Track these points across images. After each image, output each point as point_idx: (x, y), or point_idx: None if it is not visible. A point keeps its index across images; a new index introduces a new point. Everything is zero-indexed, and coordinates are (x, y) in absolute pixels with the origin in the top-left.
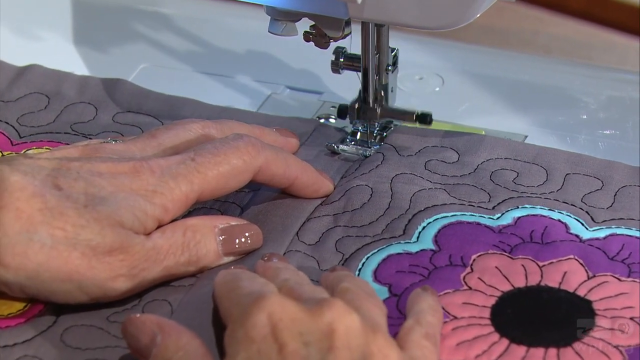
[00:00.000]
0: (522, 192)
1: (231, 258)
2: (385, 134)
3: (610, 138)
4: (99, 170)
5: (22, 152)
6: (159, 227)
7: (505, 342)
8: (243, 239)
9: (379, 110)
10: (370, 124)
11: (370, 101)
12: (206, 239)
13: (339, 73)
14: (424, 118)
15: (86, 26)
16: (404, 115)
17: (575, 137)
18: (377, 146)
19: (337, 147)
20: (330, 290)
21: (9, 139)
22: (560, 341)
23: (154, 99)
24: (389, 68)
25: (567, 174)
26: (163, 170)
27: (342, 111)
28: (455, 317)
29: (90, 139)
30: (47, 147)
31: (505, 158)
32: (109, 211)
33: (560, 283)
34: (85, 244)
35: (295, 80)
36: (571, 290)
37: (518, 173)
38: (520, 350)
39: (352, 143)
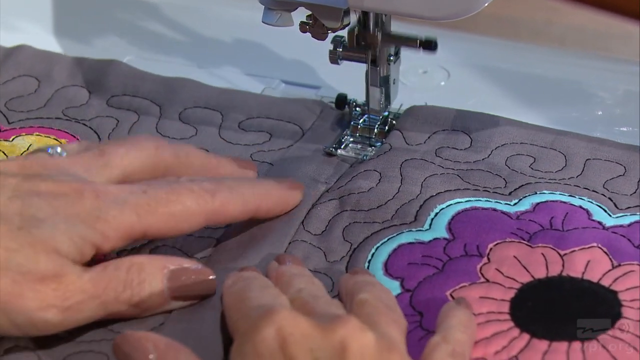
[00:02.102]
0: (539, 178)
1: (180, 303)
2: (387, 128)
3: (628, 135)
4: (37, 190)
5: (11, 138)
6: (97, 256)
7: (525, 337)
8: (194, 284)
9: (379, 36)
10: (371, 118)
11: (371, 25)
12: (151, 278)
13: (338, 64)
14: (429, 44)
15: (68, 16)
16: (407, 41)
17: (590, 134)
18: (379, 143)
19: (335, 151)
20: (348, 298)
21: None
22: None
23: (151, 81)
24: (391, 59)
25: (587, 159)
26: (109, 196)
27: (341, 101)
28: (473, 314)
29: (83, 124)
30: (37, 133)
31: (521, 143)
32: (45, 236)
33: (583, 273)
34: (16, 270)
35: (291, 74)
36: (595, 281)
37: (535, 158)
38: (542, 344)
39: (352, 140)
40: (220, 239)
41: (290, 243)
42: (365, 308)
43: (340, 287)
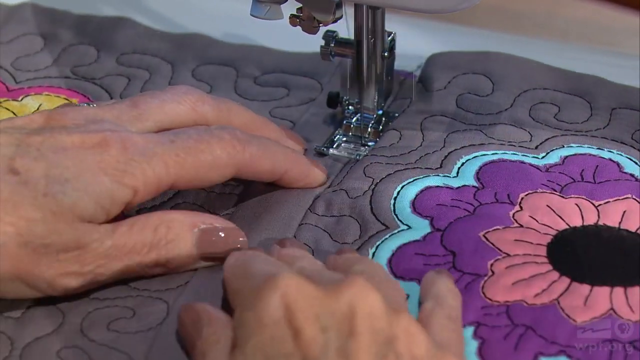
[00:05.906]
0: (565, 130)
1: (209, 263)
2: (380, 127)
3: None
4: (63, 145)
5: (20, 98)
6: (127, 207)
7: (566, 280)
8: (224, 245)
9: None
10: (364, 117)
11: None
12: (179, 239)
13: (330, 60)
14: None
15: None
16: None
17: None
18: (373, 143)
19: (328, 151)
20: (342, 272)
21: (4, 84)
22: (627, 280)
23: (161, 39)
24: (385, 54)
25: (613, 109)
26: (137, 147)
27: (333, 99)
28: (508, 255)
29: (94, 83)
30: (47, 92)
31: (544, 88)
32: (69, 202)
33: (620, 223)
34: (38, 242)
35: None
36: (633, 230)
37: (559, 107)
38: (584, 289)
39: (344, 139)
40: (241, 195)
41: (316, 198)
42: (363, 277)
43: (328, 266)
